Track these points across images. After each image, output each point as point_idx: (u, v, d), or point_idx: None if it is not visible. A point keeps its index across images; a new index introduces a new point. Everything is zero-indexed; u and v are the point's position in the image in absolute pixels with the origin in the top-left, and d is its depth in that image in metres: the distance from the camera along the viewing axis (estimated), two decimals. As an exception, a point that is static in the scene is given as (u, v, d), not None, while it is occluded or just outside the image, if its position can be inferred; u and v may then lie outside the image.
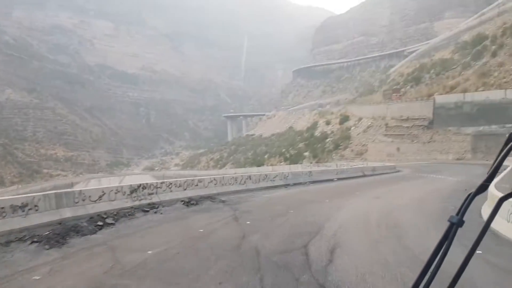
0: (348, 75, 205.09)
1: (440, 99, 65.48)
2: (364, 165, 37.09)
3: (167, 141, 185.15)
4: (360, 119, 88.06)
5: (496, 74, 73.63)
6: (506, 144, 1.38)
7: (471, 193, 1.37)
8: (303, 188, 21.43)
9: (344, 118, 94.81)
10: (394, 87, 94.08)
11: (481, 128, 53.86)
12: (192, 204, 14.55)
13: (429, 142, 62.37)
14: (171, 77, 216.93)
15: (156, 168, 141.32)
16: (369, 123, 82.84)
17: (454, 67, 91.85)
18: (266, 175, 21.62)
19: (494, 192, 11.06)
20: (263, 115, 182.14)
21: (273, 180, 21.89)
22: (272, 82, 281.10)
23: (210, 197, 15.99)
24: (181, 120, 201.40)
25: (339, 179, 27.75)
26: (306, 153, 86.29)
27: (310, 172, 25.85)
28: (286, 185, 22.42)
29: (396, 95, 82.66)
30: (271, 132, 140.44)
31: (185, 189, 16.57)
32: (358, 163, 57.72)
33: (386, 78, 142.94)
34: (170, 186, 15.90)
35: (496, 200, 1.40)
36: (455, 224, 1.36)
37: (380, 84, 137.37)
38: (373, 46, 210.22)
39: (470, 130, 55.70)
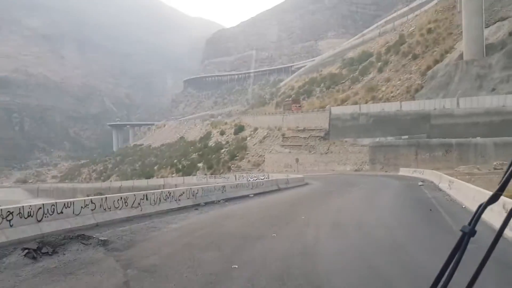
0: (239, 87, 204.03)
1: (336, 110, 64.18)
2: (279, 177, 32.42)
3: (43, 151, 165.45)
4: (255, 129, 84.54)
5: (383, 88, 75.11)
6: None
7: (483, 203, 1.36)
8: (221, 210, 15.54)
9: (239, 128, 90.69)
10: (293, 97, 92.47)
11: (377, 139, 52.96)
12: (46, 253, 7.70)
13: (326, 153, 60.41)
14: (49, 81, 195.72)
15: (30, 181, 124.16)
16: (265, 134, 79.57)
17: (343, 81, 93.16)
18: (169, 193, 15.22)
19: (506, 200, 9.21)
20: (152, 124, 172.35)
21: (179, 200, 15.68)
22: (162, 91, 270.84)
23: (82, 235, 9.05)
24: (60, 129, 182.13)
25: (255, 194, 22.48)
26: (200, 164, 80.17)
27: (224, 187, 20.07)
28: (196, 206, 16.36)
29: (296, 106, 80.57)
30: (161, 142, 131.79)
31: (39, 221, 9.69)
32: (259, 175, 53.25)
33: (276, 91, 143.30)
34: (8, 216, 9.20)
35: (509, 207, 1.34)
36: (467, 234, 1.34)
37: (271, 97, 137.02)
38: (263, 60, 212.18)
39: (367, 141, 54.56)
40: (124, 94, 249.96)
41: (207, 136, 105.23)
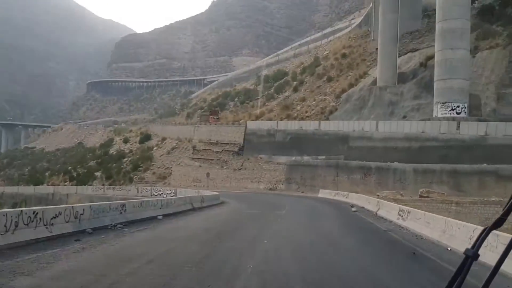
0: (147, 95, 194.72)
1: (252, 125, 60.66)
2: (192, 195, 27.30)
3: None
4: (164, 139, 78.14)
5: (298, 108, 73.55)
6: None
7: (487, 227, 1.34)
8: (116, 246, 10.13)
9: (146, 137, 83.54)
10: (212, 108, 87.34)
11: (293, 158, 50.15)
12: None
13: (239, 169, 56.29)
14: None
15: None
16: (174, 144, 73.59)
17: (258, 97, 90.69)
18: (34, 214, 9.50)
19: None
20: (49, 127, 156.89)
21: (51, 225, 9.96)
22: (62, 92, 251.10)
23: None
24: None
25: (166, 216, 17.26)
26: (98, 173, 71.69)
27: (123, 206, 14.46)
28: (78, 235, 10.73)
29: (214, 118, 75.61)
30: (56, 147, 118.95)
31: None
32: (165, 189, 47.47)
33: (187, 102, 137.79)
34: None
35: (509, 239, 1.29)
36: (470, 257, 1.31)
37: (181, 108, 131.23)
38: (175, 70, 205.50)
39: (283, 159, 51.50)
40: (20, 92, 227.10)
41: (109, 143, 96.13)
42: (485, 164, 32.50)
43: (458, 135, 36.41)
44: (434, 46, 61.75)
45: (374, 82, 62.97)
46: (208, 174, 54.06)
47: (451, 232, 11.19)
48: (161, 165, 69.58)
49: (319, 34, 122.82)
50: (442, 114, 42.57)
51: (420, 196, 29.74)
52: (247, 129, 59.72)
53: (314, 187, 43.35)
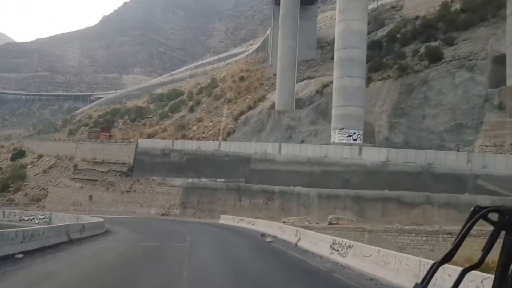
0: (25, 109, 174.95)
1: (145, 143, 55.22)
2: (70, 222, 21.58)
3: None
4: (40, 156, 68.33)
5: (195, 128, 69.75)
6: (470, 217, 1.29)
7: (436, 262, 1.32)
8: None
9: (19, 154, 72.54)
10: (102, 125, 78.65)
11: (190, 180, 45.94)
12: None
13: (128, 191, 50.30)
14: None
15: None
16: (52, 163, 64.50)
17: (150, 115, 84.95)
18: None
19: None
20: None
21: None
22: None
23: None
24: None
25: (29, 254, 12.12)
26: (-46, 194, 59.77)
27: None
28: None
29: (105, 135, 67.72)
30: None
31: None
32: (38, 213, 39.92)
33: (71, 119, 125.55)
34: None
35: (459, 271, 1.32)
36: None
37: (64, 124, 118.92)
38: (58, 84, 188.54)
39: (179, 181, 46.95)
40: None
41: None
42: (387, 191, 31.85)
43: (360, 161, 35.73)
44: (328, 75, 63.03)
45: (273, 106, 61.92)
46: (90, 197, 47.26)
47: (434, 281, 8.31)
48: (35, 185, 60.21)
49: (215, 57, 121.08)
50: (339, 140, 42.08)
51: (330, 223, 27.64)
52: (138, 147, 54.15)
53: (212, 212, 39.54)
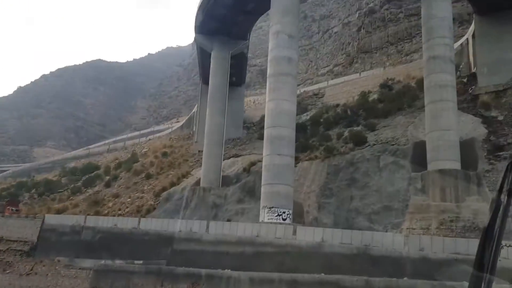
0: None
1: (52, 219, 48.75)
2: None
3: None
4: None
5: (110, 204, 64.20)
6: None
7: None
8: None
9: None
10: (9, 198, 68.95)
11: (103, 261, 40.29)
12: None
13: (28, 274, 42.81)
14: None
15: None
16: None
17: (61, 190, 77.48)
18: None
19: None
20: None
21: None
22: None
23: None
24: None
25: None
26: None
27: None
28: None
29: (12, 209, 59.03)
30: None
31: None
32: None
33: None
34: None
35: None
36: None
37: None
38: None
39: (89, 263, 40.97)
40: None
41: None
42: (323, 274, 29.65)
43: (294, 241, 33.53)
44: (256, 153, 62.77)
45: (198, 183, 59.28)
46: (-21, 282, 39.51)
47: None
48: None
49: (136, 133, 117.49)
50: (268, 219, 39.98)
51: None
52: (44, 223, 47.50)
53: None
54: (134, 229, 41.42)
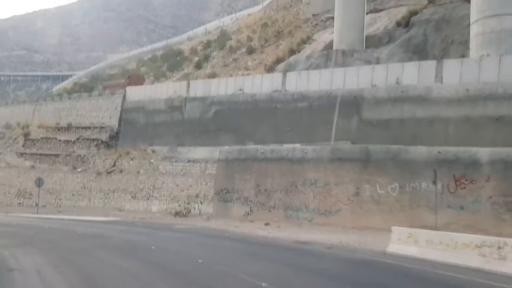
0: (8, 101, 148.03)
1: (137, 94, 31.73)
2: None
3: None
4: None
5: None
6: None
7: None
8: None
9: None
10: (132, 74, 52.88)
11: (227, 148, 23.13)
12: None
13: (109, 172, 26.44)
14: None
15: None
16: (-6, 133, 40.33)
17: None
18: None
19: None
20: None
21: None
22: None
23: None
24: None
25: None
26: None
27: None
28: None
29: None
30: None
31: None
32: None
33: (46, 96, 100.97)
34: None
35: None
36: None
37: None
38: (37, 64, 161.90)
39: (203, 153, 24.14)
40: None
41: None
42: None
43: None
44: (405, 5, 42.00)
45: (329, 47, 39.15)
46: (38, 182, 23.66)
47: None
48: (-38, 167, 36.11)
49: (215, 22, 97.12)
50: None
51: None
52: (126, 101, 30.63)
53: (295, 212, 16.82)
54: (276, 92, 22.83)
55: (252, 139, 22.53)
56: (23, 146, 34.81)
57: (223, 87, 25.16)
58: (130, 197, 25.06)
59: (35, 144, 34.20)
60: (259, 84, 23.57)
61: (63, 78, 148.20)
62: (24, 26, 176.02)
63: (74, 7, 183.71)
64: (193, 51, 60.08)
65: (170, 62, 60.09)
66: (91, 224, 17.61)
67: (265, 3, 75.12)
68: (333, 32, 39.99)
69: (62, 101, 39.08)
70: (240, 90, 24.26)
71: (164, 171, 24.62)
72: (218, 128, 24.49)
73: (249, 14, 72.46)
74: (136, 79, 36.02)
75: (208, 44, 60.01)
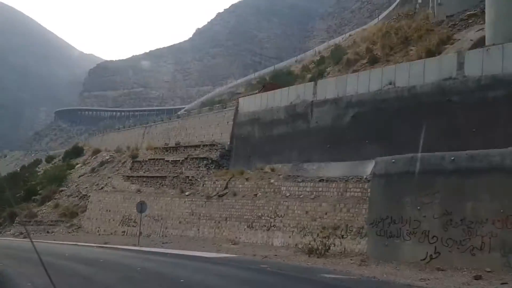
0: (120, 126, 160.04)
1: (251, 104, 27.09)
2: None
3: None
4: (96, 152, 43.88)
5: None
6: None
7: None
8: None
9: (74, 151, 48.82)
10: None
11: (389, 158, 16.85)
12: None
13: (220, 196, 21.36)
14: None
15: None
16: (107, 157, 38.85)
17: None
18: None
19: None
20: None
21: None
22: (31, 123, 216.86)
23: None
24: None
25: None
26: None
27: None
28: None
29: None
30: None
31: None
32: None
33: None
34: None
35: None
36: None
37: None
38: (153, 99, 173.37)
39: (337, 168, 18.10)
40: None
41: (34, 164, 61.10)
42: None
43: None
44: None
45: (478, 45, 30.82)
46: (140, 206, 19.50)
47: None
48: (74, 191, 34.62)
49: (324, 44, 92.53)
50: None
51: None
52: (239, 113, 26.02)
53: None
54: (449, 80, 16.03)
55: (412, 150, 15.70)
56: (130, 169, 32.18)
57: (365, 82, 19.07)
58: (245, 227, 19.76)
59: (142, 166, 31.30)
60: (420, 72, 17.03)
61: (176, 111, 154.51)
62: (141, 65, 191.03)
63: (185, 44, 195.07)
64: (305, 69, 55.21)
65: (280, 82, 55.86)
66: (202, 266, 12.40)
67: (381, 16, 68.51)
68: (480, 30, 32.06)
69: (171, 121, 36.35)
70: (390, 83, 17.96)
71: (288, 194, 18.94)
72: (358, 137, 18.28)
73: (363, 29, 66.17)
74: (271, 87, 30.67)
75: (321, 61, 54.75)
